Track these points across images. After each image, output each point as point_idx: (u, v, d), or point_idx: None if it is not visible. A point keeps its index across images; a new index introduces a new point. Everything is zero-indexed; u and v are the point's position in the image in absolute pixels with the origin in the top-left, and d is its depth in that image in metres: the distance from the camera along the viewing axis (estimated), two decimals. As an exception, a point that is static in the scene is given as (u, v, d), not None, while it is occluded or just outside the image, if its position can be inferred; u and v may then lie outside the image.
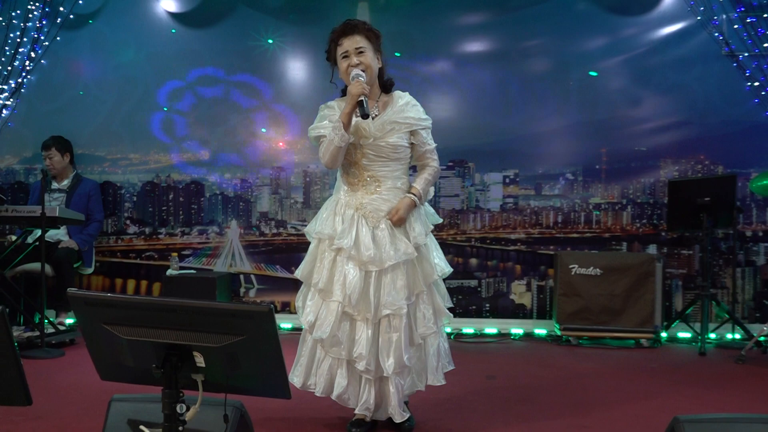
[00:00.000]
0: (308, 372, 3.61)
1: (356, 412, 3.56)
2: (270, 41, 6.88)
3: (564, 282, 6.11)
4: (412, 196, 3.57)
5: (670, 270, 6.44)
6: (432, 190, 3.78)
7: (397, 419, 3.56)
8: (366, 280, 3.48)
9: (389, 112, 3.59)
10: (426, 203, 3.76)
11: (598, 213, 6.63)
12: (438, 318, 3.66)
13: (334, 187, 3.77)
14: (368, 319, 3.47)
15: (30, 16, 6.81)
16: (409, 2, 6.72)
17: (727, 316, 6.07)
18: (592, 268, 6.06)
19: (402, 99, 3.65)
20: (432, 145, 3.70)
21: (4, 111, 6.93)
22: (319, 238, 3.60)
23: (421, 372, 3.65)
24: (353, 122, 3.47)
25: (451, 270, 3.75)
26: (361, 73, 3.48)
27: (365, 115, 3.42)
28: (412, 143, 3.63)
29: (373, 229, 3.53)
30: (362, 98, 3.39)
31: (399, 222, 3.54)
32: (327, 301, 3.52)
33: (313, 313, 3.55)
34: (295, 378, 3.62)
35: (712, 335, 6.09)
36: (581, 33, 6.59)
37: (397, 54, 6.48)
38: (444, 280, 3.78)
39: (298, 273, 3.68)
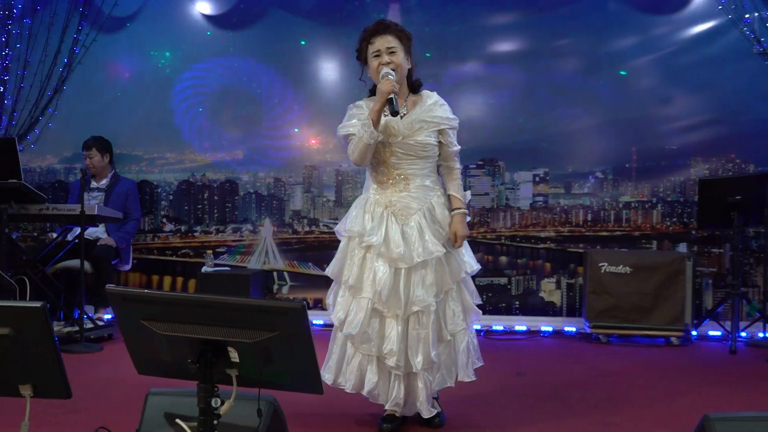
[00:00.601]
0: (339, 369, 3.64)
1: (386, 407, 3.60)
2: (302, 42, 6.96)
3: (594, 280, 6.11)
4: (459, 211, 3.64)
5: (700, 268, 6.41)
6: (469, 193, 3.81)
7: (426, 415, 3.58)
8: (396, 276, 3.50)
9: (418, 110, 3.61)
10: None
11: (627, 212, 6.63)
12: (467, 315, 3.67)
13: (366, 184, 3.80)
14: (398, 316, 3.49)
15: (70, 18, 6.97)
16: (440, 3, 6.75)
17: (758, 314, 6.05)
18: (621, 266, 6.04)
19: (430, 98, 3.66)
20: (458, 147, 3.73)
21: (45, 112, 7.09)
22: (348, 236, 3.63)
23: (451, 368, 3.65)
24: (382, 120, 3.50)
25: (479, 267, 3.76)
26: (390, 71, 3.49)
27: (395, 113, 3.44)
28: (440, 142, 3.66)
29: (402, 227, 3.55)
30: (392, 96, 3.41)
31: (463, 240, 3.62)
32: (357, 298, 3.55)
33: (343, 310, 3.59)
34: (327, 375, 3.64)
35: (743, 334, 6.04)
36: (612, 32, 6.58)
37: (428, 54, 6.52)
38: (474, 277, 3.80)
39: (329, 270, 3.71)
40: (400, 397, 3.54)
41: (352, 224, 3.62)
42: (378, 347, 3.51)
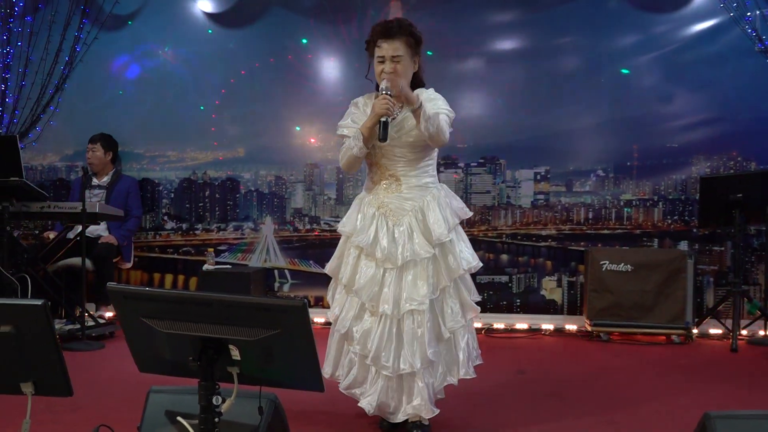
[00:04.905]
0: (336, 363, 3.67)
1: (359, 405, 3.56)
2: (304, 41, 6.95)
3: (595, 278, 6.11)
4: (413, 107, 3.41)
5: (701, 266, 6.40)
6: (466, 209, 3.72)
7: (427, 415, 3.50)
8: (383, 277, 3.49)
9: (406, 111, 3.52)
10: (455, 197, 3.72)
11: (629, 210, 6.63)
12: (466, 312, 3.61)
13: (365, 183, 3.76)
14: (387, 315, 3.45)
15: (71, 16, 6.97)
16: (440, 1, 6.74)
17: (759, 312, 6.05)
18: (623, 264, 6.04)
19: (420, 96, 3.50)
20: (443, 114, 3.49)
21: (47, 110, 7.10)
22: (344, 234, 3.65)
23: (452, 365, 3.62)
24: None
25: (480, 264, 3.67)
26: (388, 87, 3.38)
27: (383, 139, 3.35)
28: None
29: (394, 227, 3.52)
30: (385, 118, 3.34)
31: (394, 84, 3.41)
32: (350, 297, 3.57)
33: (338, 307, 3.61)
34: (326, 368, 3.66)
35: (744, 332, 6.05)
36: (613, 30, 6.56)
37: (429, 53, 6.50)
38: (475, 275, 3.74)
39: (327, 268, 3.72)
40: (375, 398, 3.50)
41: (344, 224, 3.64)
42: (363, 346, 3.50)
